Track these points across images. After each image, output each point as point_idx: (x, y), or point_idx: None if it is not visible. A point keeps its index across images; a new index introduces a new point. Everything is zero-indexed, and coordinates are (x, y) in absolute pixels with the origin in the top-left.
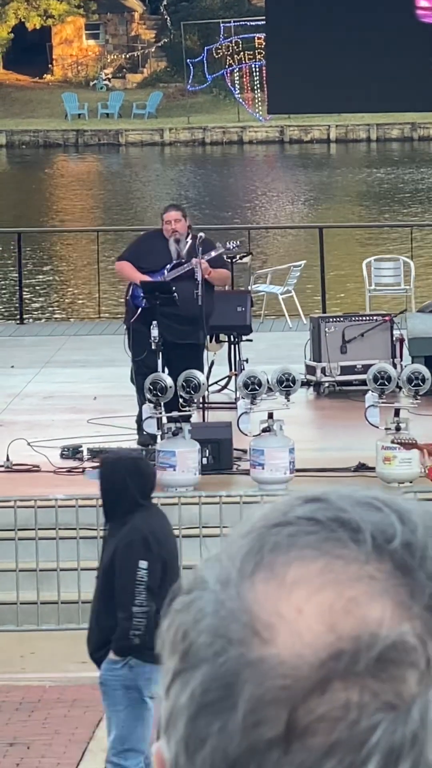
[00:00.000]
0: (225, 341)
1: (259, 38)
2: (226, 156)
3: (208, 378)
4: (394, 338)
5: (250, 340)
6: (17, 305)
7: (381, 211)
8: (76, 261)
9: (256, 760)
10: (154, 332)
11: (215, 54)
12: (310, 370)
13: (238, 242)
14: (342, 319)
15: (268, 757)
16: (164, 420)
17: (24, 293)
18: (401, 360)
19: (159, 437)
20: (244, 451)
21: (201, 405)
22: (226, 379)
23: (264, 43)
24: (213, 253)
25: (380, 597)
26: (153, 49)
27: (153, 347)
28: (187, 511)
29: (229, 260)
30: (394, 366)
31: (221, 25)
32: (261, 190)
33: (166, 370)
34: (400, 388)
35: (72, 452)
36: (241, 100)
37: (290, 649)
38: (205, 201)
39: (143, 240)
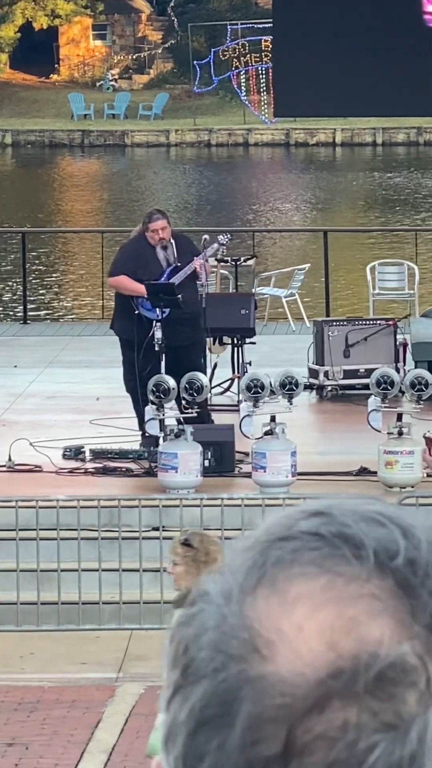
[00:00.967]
0: (228, 344)
1: (265, 41)
2: (231, 158)
3: (211, 380)
4: (397, 343)
5: (254, 343)
6: (21, 305)
7: (386, 215)
8: (81, 261)
9: None
10: (158, 334)
11: (222, 56)
12: (313, 373)
13: (229, 235)
14: (345, 323)
15: None
16: (166, 422)
17: (28, 293)
18: (404, 365)
19: (161, 439)
20: (246, 454)
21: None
22: (229, 381)
23: (270, 46)
24: (209, 252)
25: (381, 616)
26: (160, 51)
27: (156, 349)
28: (188, 513)
29: (233, 263)
30: (397, 370)
31: (228, 27)
32: (266, 192)
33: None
34: (403, 392)
35: (74, 453)
36: (247, 103)
37: (290, 667)
38: (209, 202)
39: (132, 251)
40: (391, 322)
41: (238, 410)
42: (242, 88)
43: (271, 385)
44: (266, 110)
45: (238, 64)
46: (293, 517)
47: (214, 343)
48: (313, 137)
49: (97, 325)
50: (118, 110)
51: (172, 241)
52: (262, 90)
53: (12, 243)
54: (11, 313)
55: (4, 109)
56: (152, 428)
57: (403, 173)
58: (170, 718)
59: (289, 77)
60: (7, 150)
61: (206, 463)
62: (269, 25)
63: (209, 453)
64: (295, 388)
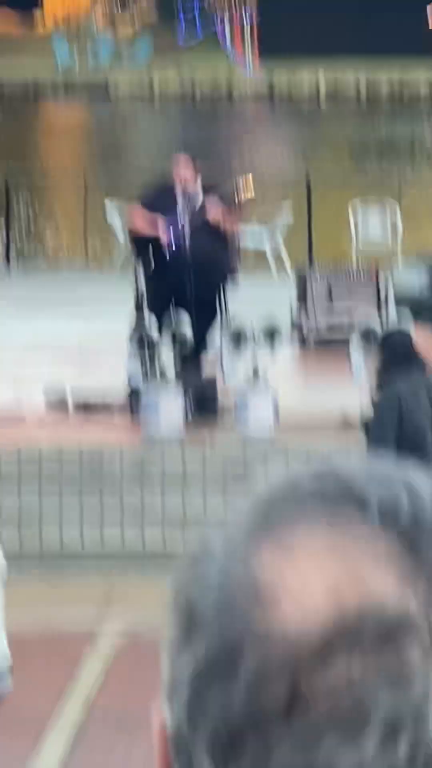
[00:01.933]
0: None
1: None
2: (215, 108)
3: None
4: (380, 292)
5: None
6: (5, 251)
7: (370, 163)
8: (64, 210)
9: (257, 730)
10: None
11: (206, 4)
12: (296, 323)
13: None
14: (328, 272)
15: (270, 727)
16: (149, 372)
17: (10, 242)
18: (387, 313)
19: (144, 389)
20: (229, 404)
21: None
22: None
23: None
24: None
25: (385, 572)
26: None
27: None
28: (170, 460)
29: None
30: (380, 319)
31: None
32: (250, 143)
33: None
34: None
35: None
36: (230, 52)
37: (294, 621)
38: (193, 153)
39: (161, 185)
40: (374, 272)
41: (221, 359)
42: (227, 38)
43: (253, 334)
44: (250, 61)
45: (222, 11)
46: (299, 474)
47: None
48: (297, 88)
49: (82, 273)
50: (102, 59)
51: (200, 191)
52: (246, 41)
53: None
54: None
55: None
56: (135, 379)
57: (386, 122)
58: (175, 672)
59: (275, 16)
60: None
61: (189, 412)
62: None
63: (192, 402)
64: (277, 337)
